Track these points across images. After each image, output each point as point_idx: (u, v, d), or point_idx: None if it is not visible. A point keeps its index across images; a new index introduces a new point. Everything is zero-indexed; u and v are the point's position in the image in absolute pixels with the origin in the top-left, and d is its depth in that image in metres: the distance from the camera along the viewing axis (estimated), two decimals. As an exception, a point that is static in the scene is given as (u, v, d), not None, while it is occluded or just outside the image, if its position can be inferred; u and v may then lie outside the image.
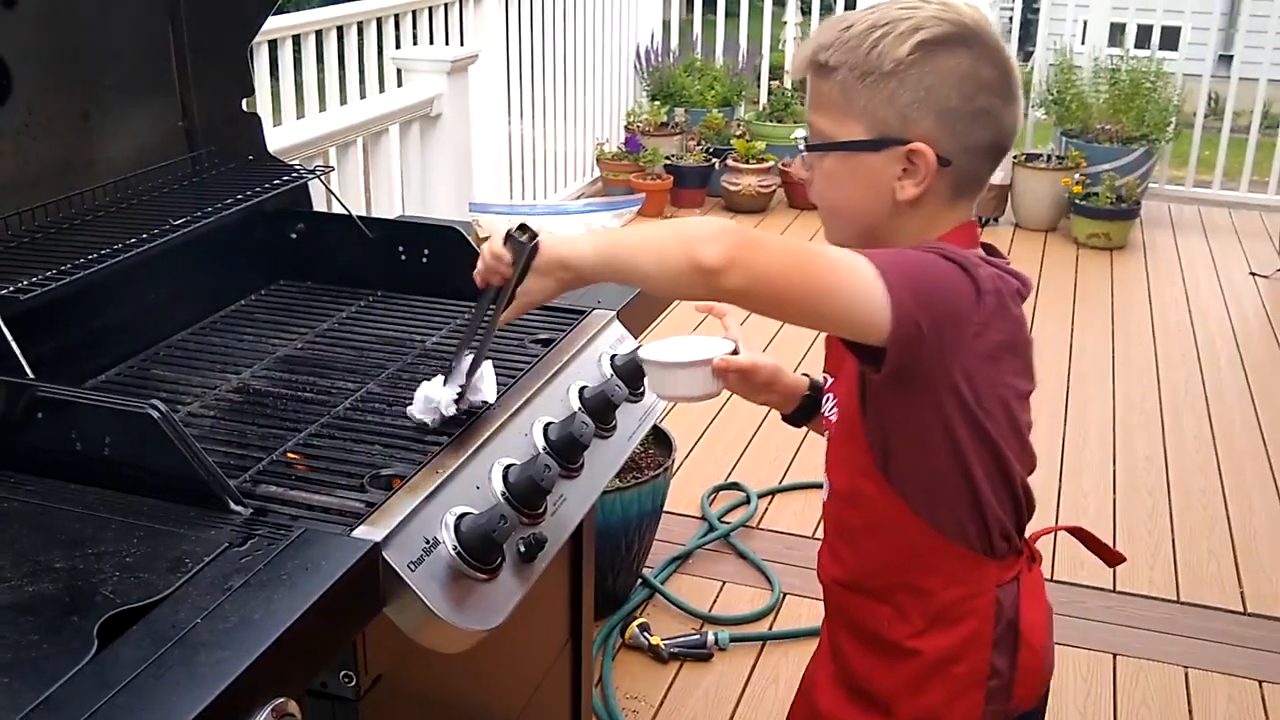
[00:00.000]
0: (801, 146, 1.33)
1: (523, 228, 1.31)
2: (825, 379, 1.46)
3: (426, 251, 1.89)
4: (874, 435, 1.28)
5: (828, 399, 1.43)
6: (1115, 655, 2.80)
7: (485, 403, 1.47)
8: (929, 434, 1.24)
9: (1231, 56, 6.93)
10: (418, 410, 1.46)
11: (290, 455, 1.41)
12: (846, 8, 6.75)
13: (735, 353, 1.48)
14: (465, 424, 1.45)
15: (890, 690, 1.36)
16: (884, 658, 1.36)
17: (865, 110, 1.24)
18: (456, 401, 1.44)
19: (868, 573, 1.36)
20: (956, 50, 1.22)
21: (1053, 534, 1.56)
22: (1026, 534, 1.39)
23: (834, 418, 1.40)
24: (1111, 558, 1.55)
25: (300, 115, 3.95)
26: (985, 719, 1.34)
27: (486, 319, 1.40)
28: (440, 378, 1.47)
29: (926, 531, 1.29)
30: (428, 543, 1.25)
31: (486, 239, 1.36)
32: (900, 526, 1.30)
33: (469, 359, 1.45)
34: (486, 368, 1.48)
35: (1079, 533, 1.54)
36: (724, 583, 3.07)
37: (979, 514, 1.29)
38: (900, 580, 1.33)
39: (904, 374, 1.19)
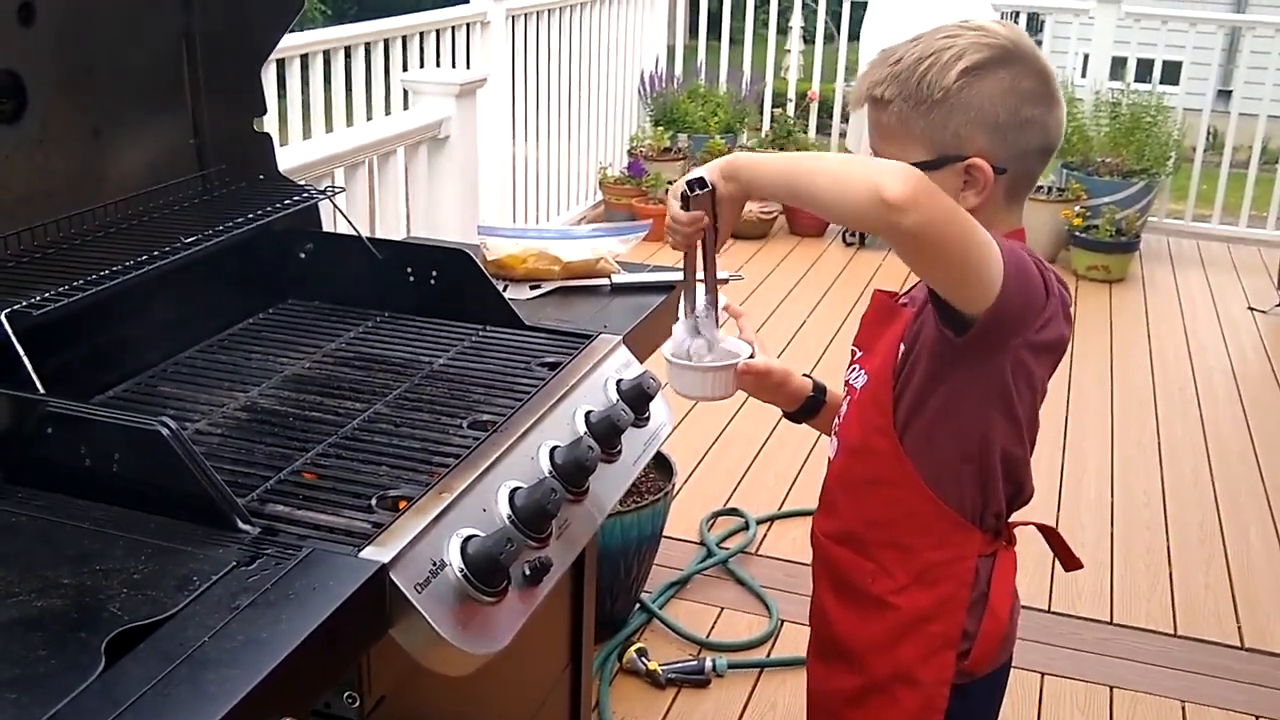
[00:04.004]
0: None
1: (691, 184, 1.37)
2: (854, 352, 1.56)
3: (435, 273, 1.90)
4: (902, 398, 1.40)
5: (854, 369, 1.54)
6: (1112, 688, 2.79)
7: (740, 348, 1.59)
8: (967, 403, 1.37)
9: (1231, 92, 6.97)
10: (700, 359, 1.55)
11: (307, 475, 1.41)
12: (850, 38, 6.79)
13: (751, 355, 1.60)
14: (473, 447, 1.45)
15: (865, 644, 1.47)
16: (862, 611, 1.46)
17: (923, 135, 1.36)
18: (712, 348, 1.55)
19: (860, 526, 1.47)
20: (997, 71, 1.35)
21: (1036, 541, 1.66)
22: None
23: (859, 384, 1.51)
24: (1070, 563, 1.64)
25: (307, 134, 3.97)
26: (955, 678, 1.43)
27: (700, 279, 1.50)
28: (683, 339, 1.55)
29: (925, 493, 1.40)
30: (434, 565, 1.25)
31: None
32: (902, 484, 1.41)
33: (702, 302, 1.52)
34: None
35: (1048, 531, 1.63)
36: (722, 609, 3.07)
37: (982, 487, 1.41)
38: (889, 536, 1.44)
39: (977, 343, 1.31)
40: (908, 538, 1.43)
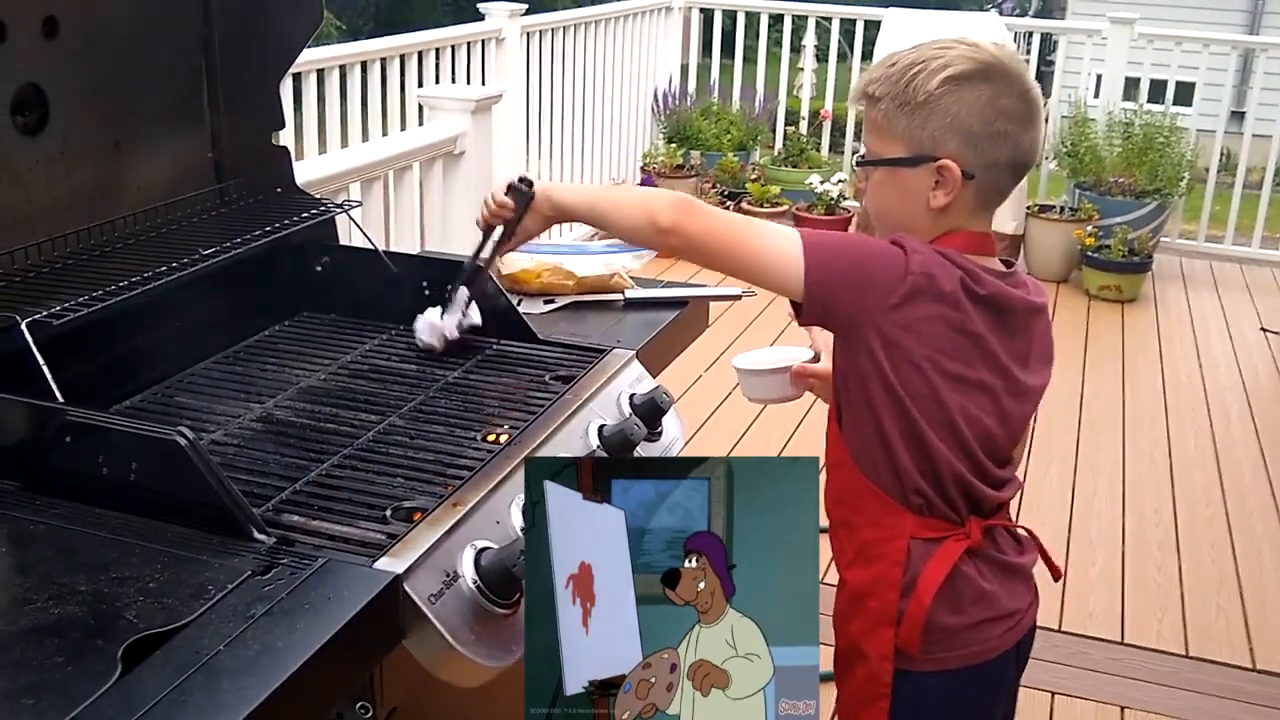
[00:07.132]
0: (856, 161, 1.58)
1: (524, 180, 1.61)
2: None
3: (450, 288, 1.91)
4: (836, 384, 1.52)
5: None
6: (1123, 709, 2.78)
7: (476, 326, 1.82)
8: (855, 383, 1.46)
9: (1244, 113, 6.96)
10: (424, 336, 1.80)
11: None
12: (863, 58, 6.81)
13: (816, 360, 1.71)
14: (486, 460, 1.46)
15: (835, 616, 1.57)
16: (839, 586, 1.57)
17: (904, 133, 1.46)
18: (458, 328, 1.79)
19: (830, 505, 1.55)
20: (979, 84, 1.44)
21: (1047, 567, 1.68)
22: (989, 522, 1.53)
23: None
24: (1053, 571, 1.66)
25: (323, 149, 3.99)
26: (898, 661, 1.48)
27: (482, 261, 1.76)
28: (437, 308, 1.80)
29: (855, 471, 1.50)
30: (448, 576, 1.26)
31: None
32: (845, 465, 1.51)
33: (465, 291, 1.79)
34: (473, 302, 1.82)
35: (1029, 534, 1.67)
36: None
37: (891, 465, 1.47)
38: (842, 515, 1.54)
39: (827, 324, 1.46)
40: (851, 516, 1.52)
